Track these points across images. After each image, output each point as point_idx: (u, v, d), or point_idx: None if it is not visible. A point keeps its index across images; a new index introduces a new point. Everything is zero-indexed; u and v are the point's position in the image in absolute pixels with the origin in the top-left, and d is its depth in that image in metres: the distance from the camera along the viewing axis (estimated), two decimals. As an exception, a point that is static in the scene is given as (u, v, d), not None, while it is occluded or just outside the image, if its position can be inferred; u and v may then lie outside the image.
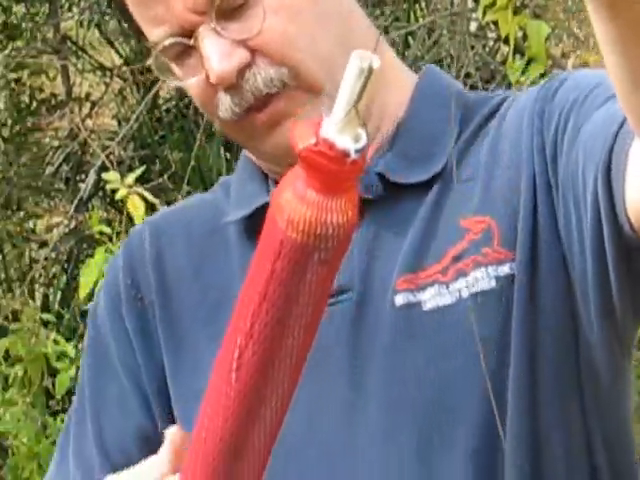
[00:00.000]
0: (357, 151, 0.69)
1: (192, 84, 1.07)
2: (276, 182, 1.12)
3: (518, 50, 4.07)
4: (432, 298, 1.04)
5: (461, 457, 1.04)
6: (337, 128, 0.69)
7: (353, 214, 0.71)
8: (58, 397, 3.50)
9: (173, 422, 1.13)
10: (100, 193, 4.43)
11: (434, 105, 1.08)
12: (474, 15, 4.48)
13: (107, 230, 3.11)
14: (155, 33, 1.05)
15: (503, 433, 1.03)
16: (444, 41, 4.21)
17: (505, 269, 1.04)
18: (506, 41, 4.13)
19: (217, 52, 1.03)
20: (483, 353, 1.03)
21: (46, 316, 3.66)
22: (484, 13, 3.21)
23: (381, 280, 1.01)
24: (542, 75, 3.03)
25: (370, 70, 0.68)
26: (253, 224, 1.09)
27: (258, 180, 1.17)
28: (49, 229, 4.94)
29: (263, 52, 1.03)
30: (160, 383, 1.19)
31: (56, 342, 3.38)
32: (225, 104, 1.05)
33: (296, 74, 1.04)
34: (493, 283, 1.03)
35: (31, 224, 4.90)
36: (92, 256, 3.08)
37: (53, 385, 3.40)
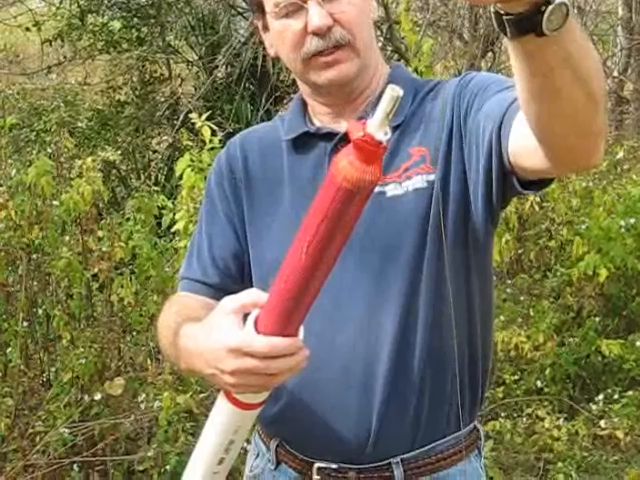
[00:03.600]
0: (386, 141, 0.95)
1: (290, 33, 1.40)
2: (310, 116, 1.51)
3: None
4: (391, 190, 1.40)
5: (403, 272, 1.39)
6: (375, 127, 0.95)
7: (379, 174, 0.97)
8: (163, 229, 4.10)
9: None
10: (186, 125, 5.71)
11: (401, 82, 1.23)
12: (380, 38, 5.89)
13: (190, 143, 3.78)
14: None
15: (424, 269, 1.38)
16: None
17: (431, 177, 1.39)
18: (396, 52, 5.81)
19: (318, 14, 1.37)
20: (420, 219, 1.39)
21: (155, 188, 4.56)
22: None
23: None
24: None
25: (398, 97, 0.94)
26: (296, 142, 1.49)
27: (300, 116, 1.53)
28: (159, 143, 7.16)
29: (341, 23, 1.39)
30: (243, 228, 1.53)
31: (163, 201, 4.15)
32: (313, 43, 1.38)
33: (353, 40, 1.39)
34: (425, 184, 1.40)
35: (149, 141, 7.06)
36: (182, 156, 3.65)
37: (159, 224, 4.12)
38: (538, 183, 1.27)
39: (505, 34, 0.95)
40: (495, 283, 4.70)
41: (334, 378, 1.40)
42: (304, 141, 1.49)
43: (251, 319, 1.14)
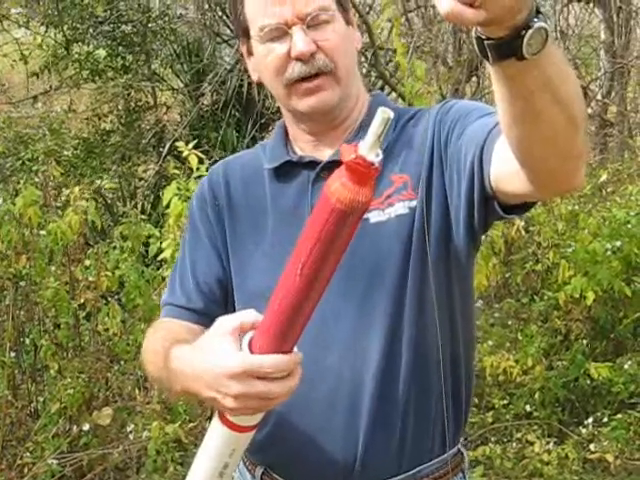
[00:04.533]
0: (378, 162, 0.98)
1: (273, 57, 1.41)
2: (292, 144, 1.52)
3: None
4: (374, 217, 1.41)
5: (386, 296, 1.41)
6: (367, 149, 0.98)
7: (371, 197, 1.00)
8: (149, 258, 4.11)
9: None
10: (172, 153, 5.73)
11: None
12: (365, 64, 6.04)
13: (177, 172, 3.86)
14: (267, 21, 1.39)
15: (408, 291, 1.40)
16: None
17: (413, 203, 1.41)
18: (381, 78, 6.02)
19: (302, 40, 1.38)
20: (403, 245, 1.40)
21: (142, 216, 4.42)
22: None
23: None
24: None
25: (389, 119, 0.97)
26: (278, 171, 1.51)
27: (282, 144, 1.53)
28: (145, 171, 7.03)
29: (325, 50, 1.40)
30: (227, 253, 1.53)
31: (149, 229, 4.12)
32: (296, 69, 1.38)
33: (335, 68, 1.40)
34: (407, 210, 1.42)
35: (135, 169, 6.96)
36: (169, 184, 3.71)
37: (146, 251, 4.13)
38: (521, 207, 1.29)
39: (486, 58, 0.97)
40: (482, 308, 4.89)
41: (322, 399, 1.41)
42: (286, 170, 1.50)
43: (245, 341, 1.15)
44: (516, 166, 1.15)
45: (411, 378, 1.41)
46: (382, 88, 6.78)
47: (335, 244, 1.03)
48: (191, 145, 3.69)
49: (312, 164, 1.48)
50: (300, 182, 1.49)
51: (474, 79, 7.12)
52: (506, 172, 1.20)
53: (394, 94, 5.87)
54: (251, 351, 1.14)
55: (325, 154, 1.48)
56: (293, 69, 1.40)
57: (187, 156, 3.65)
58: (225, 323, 1.19)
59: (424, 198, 1.40)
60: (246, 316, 1.18)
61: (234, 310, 1.45)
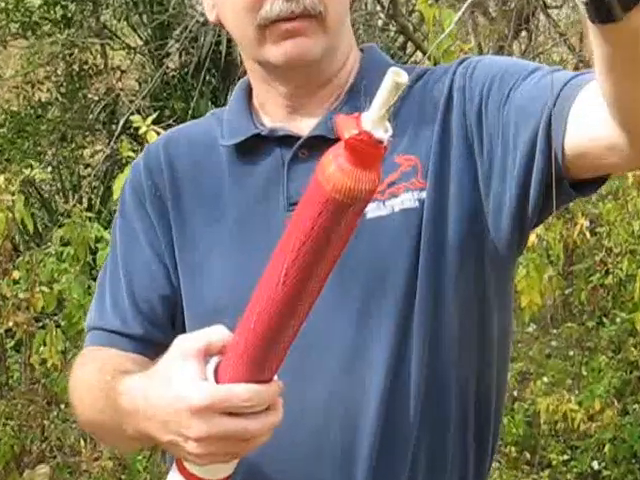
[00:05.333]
0: (387, 140, 1.00)
1: None
2: (258, 113, 1.52)
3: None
4: (372, 210, 1.41)
5: (389, 312, 1.42)
6: (373, 121, 0.99)
7: (378, 182, 1.02)
8: (98, 268, 3.74)
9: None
10: (127, 132, 5.89)
11: (376, 70, 1.34)
12: (381, 15, 6.45)
13: (132, 155, 3.84)
14: None
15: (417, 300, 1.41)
16: (360, 32, 6.11)
17: (423, 194, 1.42)
18: (402, 32, 6.28)
19: None
20: (409, 248, 1.41)
21: (88, 214, 4.37)
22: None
23: None
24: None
25: (402, 85, 0.98)
26: (240, 148, 1.50)
27: (245, 113, 1.53)
28: (92, 155, 7.14)
29: None
30: (173, 258, 1.53)
31: (98, 231, 4.16)
32: (276, 5, 1.39)
33: (325, 12, 1.42)
34: (416, 203, 1.42)
35: (80, 152, 7.05)
36: (122, 172, 3.73)
37: (94, 260, 4.13)
38: (592, 183, 1.32)
39: (606, 18, 0.97)
40: (535, 334, 4.88)
41: (306, 443, 1.42)
42: (252, 147, 1.51)
43: (211, 368, 1.17)
44: (609, 130, 1.17)
45: (422, 416, 1.42)
46: (403, 46, 7.06)
47: (329, 244, 1.06)
48: (150, 119, 3.65)
49: (287, 140, 1.48)
50: (271, 163, 1.49)
51: (524, 34, 7.15)
52: (594, 140, 1.23)
53: (419, 54, 6.00)
54: (217, 381, 1.15)
55: (303, 126, 1.49)
56: (272, 5, 1.40)
57: (146, 134, 3.60)
58: (187, 344, 1.20)
59: (438, 186, 1.42)
60: (214, 335, 1.20)
61: (185, 332, 1.44)
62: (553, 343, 4.82)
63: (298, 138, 1.47)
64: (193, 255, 1.51)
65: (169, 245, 1.52)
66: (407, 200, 1.42)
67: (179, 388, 1.16)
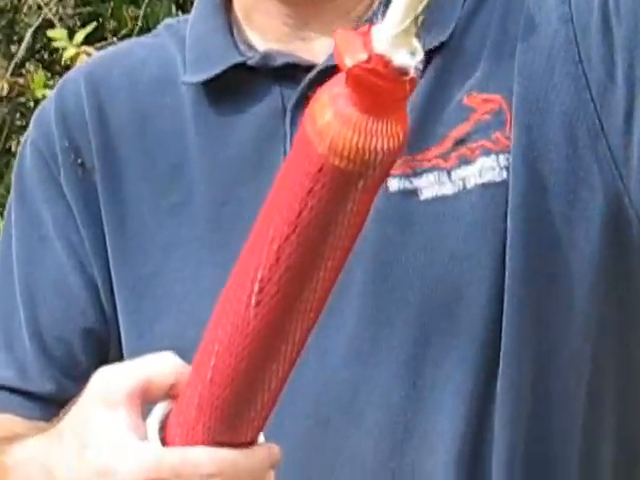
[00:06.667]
0: (415, 67, 0.74)
1: None
2: (242, 30, 1.22)
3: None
4: (430, 186, 1.11)
5: (461, 353, 1.11)
6: (392, 41, 0.74)
7: (403, 135, 0.76)
8: None
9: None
10: (36, 56, 4.88)
11: None
12: None
13: (47, 93, 3.47)
14: None
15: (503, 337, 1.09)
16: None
17: (510, 159, 1.10)
18: None
19: None
20: (492, 245, 1.10)
21: None
22: None
23: None
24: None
25: None
26: (217, 89, 1.20)
27: (222, 33, 1.23)
28: None
29: None
30: (104, 265, 1.24)
31: None
32: None
33: None
34: (504, 175, 1.09)
35: None
36: (26, 124, 3.40)
37: None
38: None
39: None
40: None
41: None
42: (232, 84, 1.20)
43: (154, 422, 0.91)
44: None
45: None
46: None
47: (328, 239, 0.79)
48: (82, 34, 3.57)
49: (290, 71, 1.17)
50: (264, 111, 1.19)
51: None
52: None
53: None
54: (166, 442, 0.90)
55: (316, 49, 1.17)
56: None
57: (72, 58, 3.47)
58: (113, 383, 0.92)
59: (537, 147, 1.10)
60: (157, 367, 0.92)
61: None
62: None
63: (307, 69, 1.17)
64: (138, 263, 1.22)
65: (97, 246, 1.23)
66: (487, 169, 1.10)
67: (103, 455, 0.92)
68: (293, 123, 1.16)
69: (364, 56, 0.73)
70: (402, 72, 0.73)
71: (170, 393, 0.92)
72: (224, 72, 1.19)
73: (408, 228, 1.09)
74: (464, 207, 1.11)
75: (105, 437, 0.90)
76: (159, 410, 0.93)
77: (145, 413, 0.93)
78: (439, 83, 1.14)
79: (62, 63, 3.68)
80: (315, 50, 1.17)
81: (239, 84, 1.20)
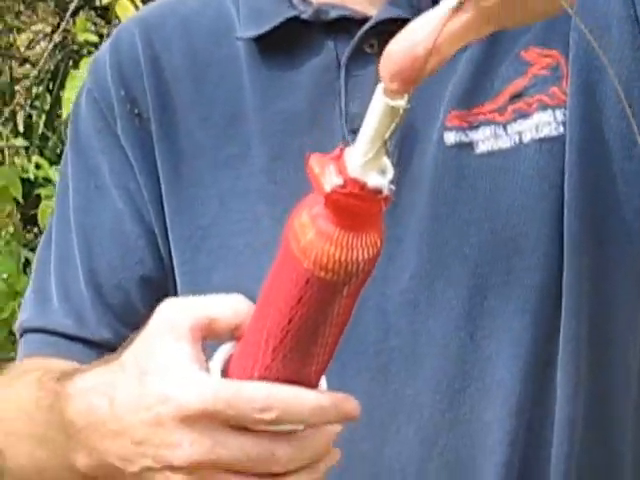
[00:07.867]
0: (388, 188, 0.80)
1: None
2: None
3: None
4: (486, 139, 1.12)
5: (515, 331, 1.12)
6: (364, 165, 0.79)
7: (381, 241, 0.83)
8: (42, 229, 3.52)
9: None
10: (89, 3, 4.95)
11: None
12: None
13: (94, 38, 3.62)
14: None
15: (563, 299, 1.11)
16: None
17: (566, 114, 1.11)
18: None
19: None
20: (550, 204, 1.11)
21: (21, 142, 4.11)
22: None
23: (427, 115, 1.08)
24: None
25: (399, 108, 0.76)
26: (271, 43, 1.23)
27: None
28: (31, 43, 5.66)
29: None
30: (161, 215, 1.25)
31: (39, 167, 3.85)
32: None
33: None
34: (561, 129, 1.11)
35: (11, 38, 5.53)
36: (77, 68, 3.47)
37: (34, 217, 3.86)
38: None
39: None
40: None
41: None
42: (286, 39, 1.21)
43: (218, 359, 0.93)
44: None
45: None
46: None
47: (318, 340, 0.88)
48: None
49: (345, 25, 1.19)
50: (319, 65, 1.21)
51: None
52: None
53: None
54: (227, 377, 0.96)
55: (368, 2, 1.19)
56: None
57: (114, 5, 3.29)
58: (179, 316, 0.93)
59: (594, 102, 1.11)
60: (224, 307, 0.93)
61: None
62: None
63: (361, 22, 1.18)
64: (195, 214, 1.25)
65: (154, 195, 1.25)
66: (544, 124, 1.12)
67: (164, 383, 0.92)
68: (348, 76, 1.18)
69: (340, 181, 0.79)
70: (376, 192, 0.79)
71: (234, 334, 0.93)
72: (278, 27, 1.22)
73: (464, 181, 1.10)
74: (521, 161, 1.12)
75: (168, 366, 0.92)
76: (222, 351, 0.95)
77: (209, 355, 0.94)
78: (496, 37, 1.12)
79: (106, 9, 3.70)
80: (367, 2, 1.19)
81: (293, 38, 1.22)
